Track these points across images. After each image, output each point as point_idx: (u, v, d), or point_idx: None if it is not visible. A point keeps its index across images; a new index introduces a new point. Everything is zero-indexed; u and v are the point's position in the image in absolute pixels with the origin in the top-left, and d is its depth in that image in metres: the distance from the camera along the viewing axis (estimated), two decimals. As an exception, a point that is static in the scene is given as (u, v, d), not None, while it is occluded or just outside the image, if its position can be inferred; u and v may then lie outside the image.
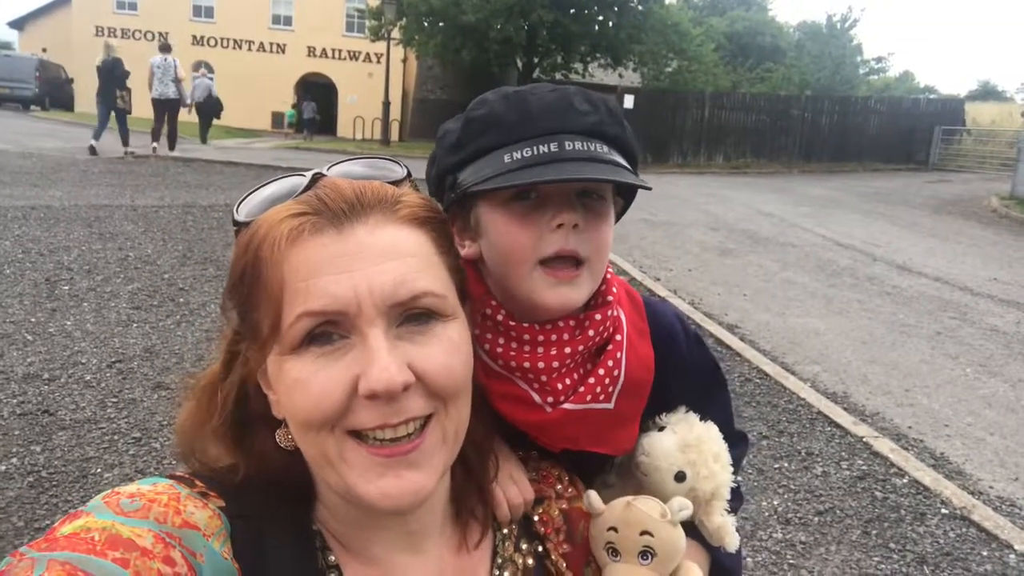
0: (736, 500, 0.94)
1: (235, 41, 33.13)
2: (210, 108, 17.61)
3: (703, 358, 0.99)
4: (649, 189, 0.82)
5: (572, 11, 23.74)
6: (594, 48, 24.60)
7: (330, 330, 0.59)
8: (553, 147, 0.78)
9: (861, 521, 2.84)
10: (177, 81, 13.54)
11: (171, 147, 13.79)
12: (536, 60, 25.65)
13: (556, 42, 24.37)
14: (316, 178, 0.66)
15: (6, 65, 29.59)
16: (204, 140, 17.97)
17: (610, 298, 0.87)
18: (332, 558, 0.67)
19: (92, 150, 12.86)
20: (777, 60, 32.72)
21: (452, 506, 0.75)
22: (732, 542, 0.89)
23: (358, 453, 0.60)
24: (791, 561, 2.54)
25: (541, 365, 0.82)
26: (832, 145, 22.06)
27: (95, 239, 6.70)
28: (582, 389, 0.83)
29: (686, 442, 0.89)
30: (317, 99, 34.29)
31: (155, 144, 13.53)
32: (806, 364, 4.75)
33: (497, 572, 0.74)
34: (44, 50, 32.16)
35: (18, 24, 36.08)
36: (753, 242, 9.16)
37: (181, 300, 5.12)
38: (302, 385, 0.59)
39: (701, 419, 0.93)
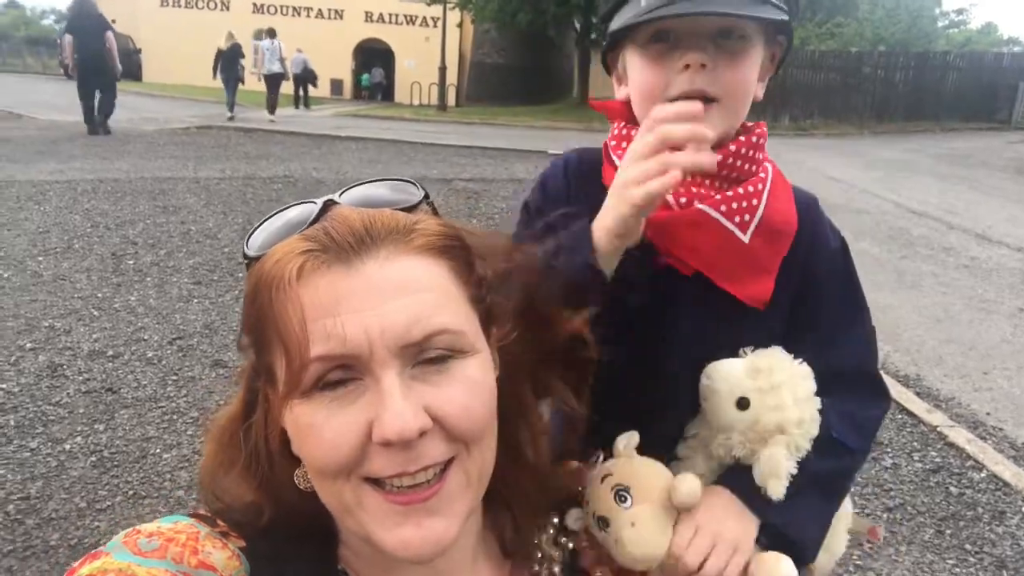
0: (830, 456, 0.83)
1: (294, 8, 33.33)
2: (305, 78, 20.62)
3: (846, 264, 0.97)
4: (784, 21, 0.85)
5: (632, -32, 22.91)
6: (655, 6, 23.79)
7: (342, 374, 0.55)
8: None
9: (934, 519, 2.69)
10: (281, 60, 16.34)
11: (270, 111, 15.88)
12: (595, 20, 25.02)
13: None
14: (326, 207, 0.61)
15: (77, 37, 30.33)
16: (306, 105, 20.62)
17: (745, 136, 0.89)
18: None
19: (231, 119, 15.05)
20: (849, 14, 31.11)
21: (485, 543, 0.70)
22: (776, 488, 0.79)
23: (376, 500, 0.56)
24: (857, 562, 2.42)
25: None
26: (907, 104, 20.91)
27: (159, 212, 6.86)
28: (717, 197, 0.86)
29: (756, 366, 0.81)
30: (374, 64, 34.34)
31: (271, 116, 15.72)
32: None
33: None
34: (113, 21, 32.95)
35: (87, -3, 37.04)
36: (823, 209, 8.78)
37: (240, 275, 5.19)
38: (315, 432, 0.56)
39: (799, 360, 0.84)
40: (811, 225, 0.94)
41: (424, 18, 31.66)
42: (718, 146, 0.85)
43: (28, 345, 3.91)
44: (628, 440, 0.78)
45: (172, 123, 14.35)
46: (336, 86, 31.94)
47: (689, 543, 0.75)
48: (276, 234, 0.61)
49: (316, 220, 0.60)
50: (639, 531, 0.73)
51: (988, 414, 3.61)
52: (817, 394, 0.83)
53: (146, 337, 4.10)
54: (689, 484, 0.73)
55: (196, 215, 6.84)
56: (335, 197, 0.63)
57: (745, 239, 0.86)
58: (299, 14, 33.32)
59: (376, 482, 0.56)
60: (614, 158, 0.95)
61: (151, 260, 5.45)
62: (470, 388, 0.58)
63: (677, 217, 0.86)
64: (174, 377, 3.63)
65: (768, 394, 0.80)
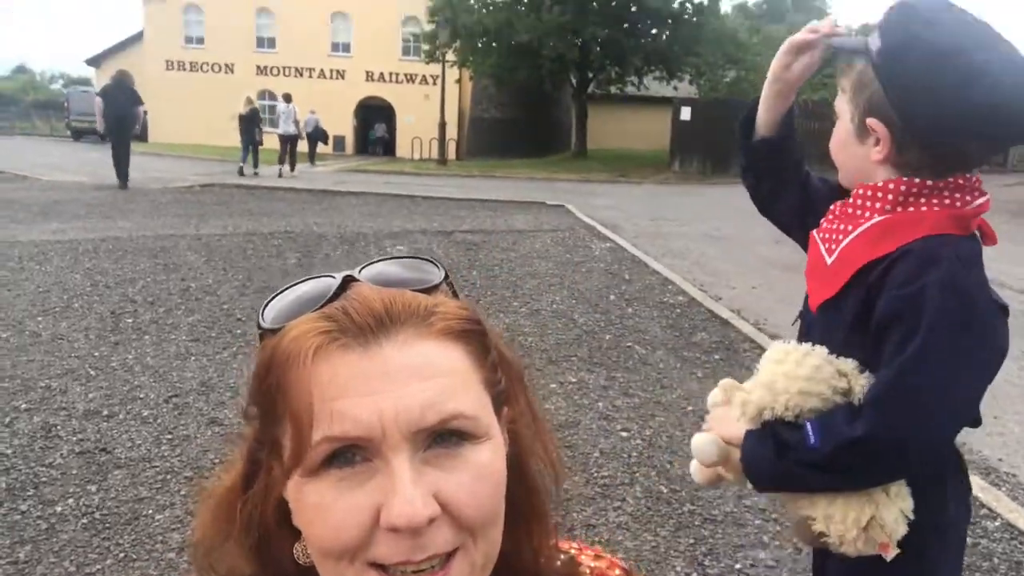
0: (791, 434, 1.08)
1: (296, 69, 34.15)
2: (316, 136, 22.40)
3: (911, 310, 1.04)
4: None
5: (625, 26, 23.57)
6: (648, 62, 24.37)
7: (352, 454, 0.54)
8: None
9: (950, 571, 2.60)
10: (296, 122, 18.17)
11: (291, 169, 17.80)
12: (590, 76, 25.57)
13: (609, 58, 24.26)
14: (346, 283, 0.60)
15: (84, 100, 31.29)
16: (312, 162, 21.93)
17: (859, 201, 1.15)
18: None
19: (241, 171, 16.48)
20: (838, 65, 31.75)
21: None
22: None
23: None
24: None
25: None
26: (902, 150, 21.16)
27: (160, 270, 6.88)
28: (824, 225, 1.19)
29: (785, 349, 1.15)
30: (377, 122, 34.98)
31: (281, 167, 17.53)
32: (881, 389, 4.46)
33: None
34: (120, 85, 33.70)
35: (95, 61, 38.04)
36: (820, 256, 8.80)
37: (238, 331, 5.18)
38: (321, 512, 0.54)
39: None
40: (893, 268, 1.07)
41: (424, 76, 32.39)
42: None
43: (23, 406, 3.86)
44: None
45: (176, 181, 14.54)
46: (338, 142, 32.49)
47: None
48: (292, 308, 0.60)
49: (335, 296, 0.59)
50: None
51: (1000, 460, 3.53)
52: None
53: (142, 396, 4.05)
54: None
55: (196, 272, 6.86)
56: (355, 273, 0.61)
57: (828, 261, 1.15)
58: (302, 75, 34.13)
59: (380, 567, 0.54)
60: None
61: (150, 318, 5.44)
62: (481, 475, 0.56)
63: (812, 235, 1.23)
64: (169, 436, 3.57)
65: (773, 364, 1.13)
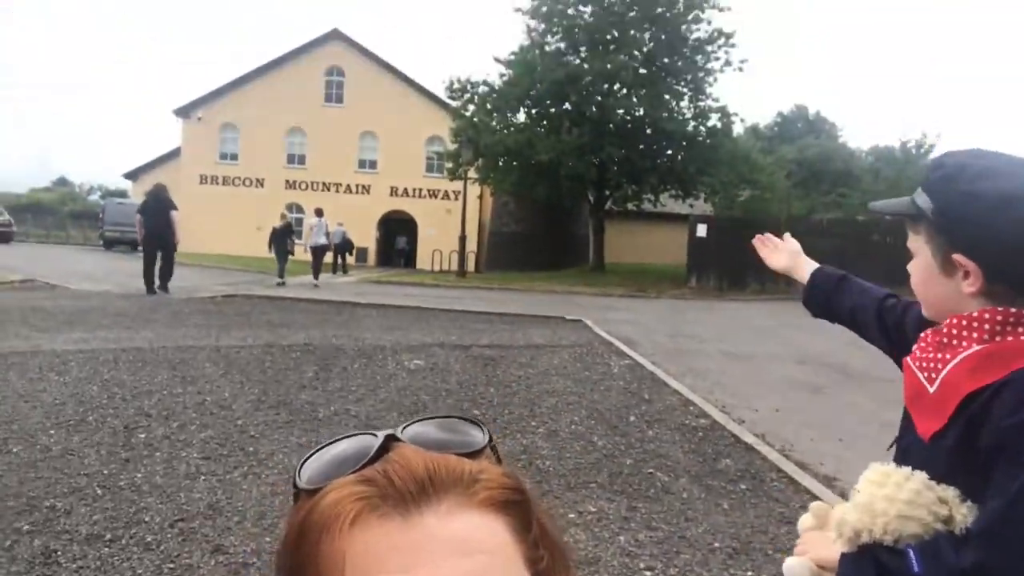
0: (893, 559, 1.06)
1: (324, 184, 35.45)
2: (344, 247, 24.45)
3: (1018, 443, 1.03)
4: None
5: (641, 147, 24.38)
6: (663, 181, 25.04)
7: None
8: None
9: None
10: (327, 234, 19.51)
11: (315, 277, 18.75)
12: (607, 193, 26.26)
13: (626, 176, 24.97)
14: (387, 443, 0.57)
15: (119, 211, 32.40)
16: (344, 271, 24.27)
17: (955, 331, 1.13)
18: None
19: (281, 284, 17.49)
20: (851, 185, 32.47)
21: None
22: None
23: None
24: None
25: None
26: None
27: (177, 383, 6.86)
28: (919, 353, 1.18)
29: (884, 471, 1.13)
30: (401, 235, 35.86)
31: (315, 281, 18.45)
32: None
33: None
34: (154, 197, 35.05)
35: (132, 175, 39.74)
36: (844, 377, 8.63)
37: (251, 449, 5.08)
38: None
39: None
40: (995, 400, 1.05)
41: (446, 191, 33.45)
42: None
43: (25, 527, 3.74)
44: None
45: (200, 291, 14.78)
46: (361, 254, 33.20)
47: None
48: (330, 468, 0.57)
49: (375, 457, 0.56)
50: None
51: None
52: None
53: (147, 519, 3.92)
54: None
55: (213, 385, 6.83)
56: (397, 432, 0.59)
57: (931, 389, 1.13)
58: (329, 189, 35.38)
59: None
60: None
61: (163, 433, 5.36)
62: None
63: (904, 361, 1.23)
64: (171, 565, 3.42)
65: (873, 486, 1.11)
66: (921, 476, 1.09)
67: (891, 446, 1.31)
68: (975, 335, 1.12)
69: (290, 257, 18.20)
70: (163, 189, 14.09)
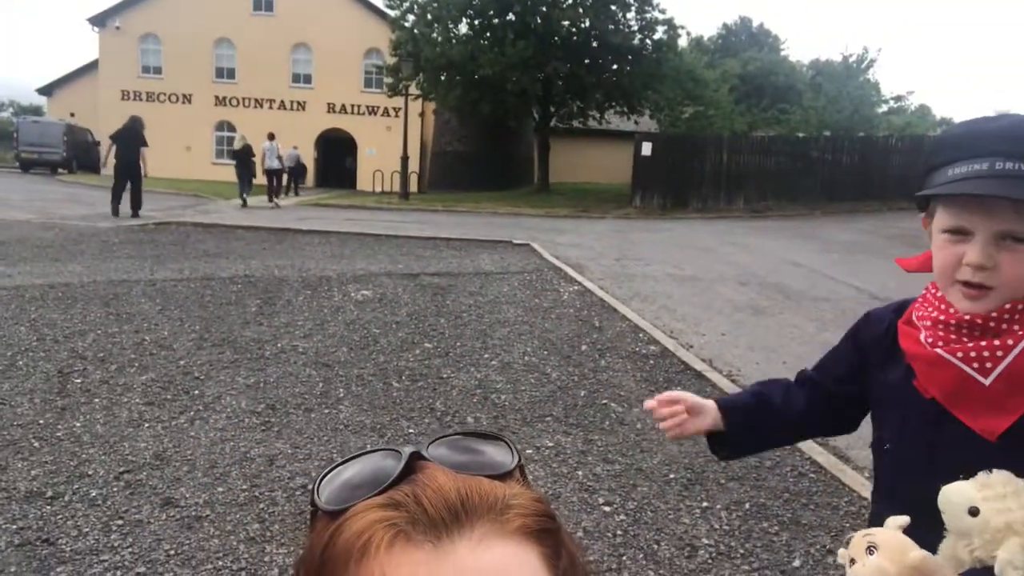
0: None
1: (256, 100, 33.84)
2: (297, 170, 25.45)
3: None
4: None
5: (586, 61, 23.87)
6: (609, 97, 24.70)
7: None
8: (984, 166, 0.98)
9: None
10: (279, 158, 20.54)
11: (270, 199, 19.87)
12: (552, 110, 25.81)
13: (571, 92, 24.53)
14: (412, 462, 0.53)
15: (34, 130, 30.43)
16: (297, 193, 24.80)
17: (1019, 308, 1.02)
18: None
19: (244, 204, 18.58)
20: (792, 100, 32.63)
21: None
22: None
23: None
24: None
25: (934, 314, 1.08)
26: (855, 185, 21.73)
27: (112, 321, 6.56)
28: (958, 345, 1.04)
29: (983, 482, 0.95)
30: (338, 153, 34.71)
31: (274, 200, 19.86)
32: (861, 448, 4.39)
33: None
34: (72, 115, 33.00)
35: (47, 90, 37.16)
36: (785, 298, 8.85)
37: (195, 392, 4.91)
38: None
39: None
40: None
41: (386, 108, 32.36)
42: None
43: (-43, 487, 3.56)
44: (898, 521, 0.94)
45: (129, 219, 14.09)
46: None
47: None
48: (352, 488, 0.53)
49: (400, 478, 0.52)
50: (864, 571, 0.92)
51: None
52: None
53: (90, 472, 3.77)
54: (918, 553, 0.89)
55: (151, 323, 6.56)
56: (423, 451, 0.55)
57: (985, 382, 1.02)
58: (261, 106, 33.83)
59: None
60: (913, 316, 1.16)
61: (100, 377, 5.14)
62: None
63: (921, 355, 1.08)
64: (119, 521, 3.31)
65: (995, 501, 0.93)
66: (1009, 475, 0.96)
67: (884, 446, 1.19)
68: None
69: (253, 179, 19.09)
70: (139, 122, 14.79)
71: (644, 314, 7.61)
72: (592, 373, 5.60)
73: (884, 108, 31.33)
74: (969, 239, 1.01)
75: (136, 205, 14.86)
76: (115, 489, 3.61)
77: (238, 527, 3.29)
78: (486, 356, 5.91)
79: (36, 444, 4.06)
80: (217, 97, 33.76)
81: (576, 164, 30.86)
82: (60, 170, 29.40)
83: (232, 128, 33.02)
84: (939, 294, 1.09)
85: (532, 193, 25.10)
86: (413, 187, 26.32)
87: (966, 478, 0.95)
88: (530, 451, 4.15)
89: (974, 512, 0.94)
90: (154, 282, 8.21)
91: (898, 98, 31.46)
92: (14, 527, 3.23)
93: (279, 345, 6.00)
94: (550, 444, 4.27)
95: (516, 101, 23.62)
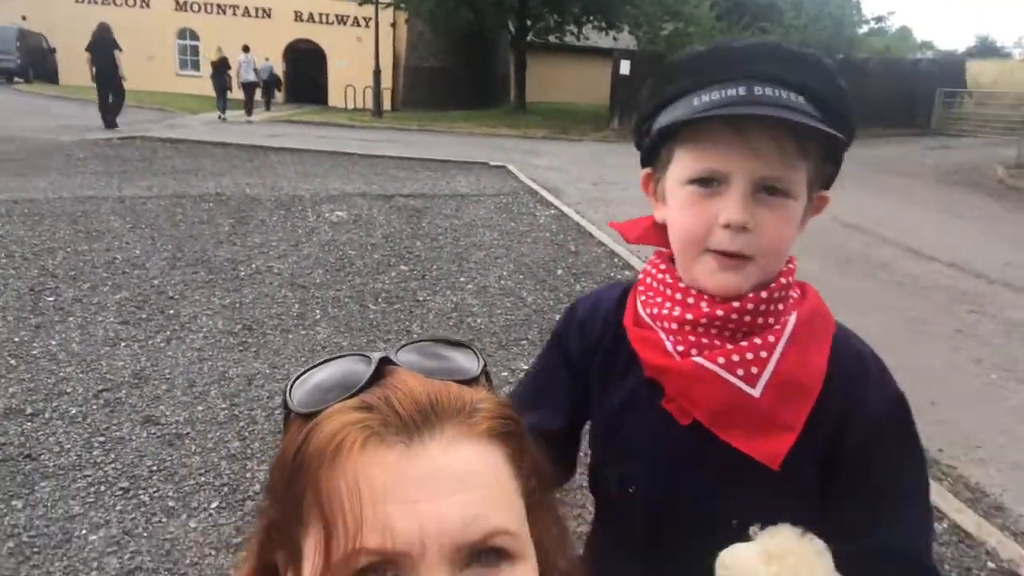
0: None
1: (219, 6, 32.30)
2: (272, 83, 25.10)
3: (897, 431, 0.85)
4: (842, 139, 0.79)
5: (566, -27, 23.09)
6: (586, 10, 24.02)
7: (385, 567, 0.49)
8: (741, 91, 0.77)
9: None
10: (255, 71, 20.75)
11: (248, 113, 20.01)
12: (529, 23, 25.07)
13: (548, 5, 23.79)
14: (382, 367, 0.56)
15: (-14, 35, 28.84)
16: (267, 108, 24.11)
17: (773, 284, 0.83)
18: None
19: (222, 119, 18.42)
20: (773, 19, 31.98)
21: None
22: None
23: None
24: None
25: (678, 313, 0.84)
26: (832, 110, 21.64)
27: (81, 239, 6.44)
28: (717, 351, 0.81)
29: (768, 551, 0.75)
30: (307, 67, 33.50)
31: (248, 117, 19.59)
32: (825, 372, 4.56)
33: None
34: (24, 18, 31.28)
35: (-4, -8, 34.99)
36: (759, 224, 8.93)
37: (171, 312, 4.89)
38: None
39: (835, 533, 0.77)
40: (848, 383, 0.84)
41: (356, 18, 31.11)
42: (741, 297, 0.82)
43: (-67, 404, 3.56)
44: None
45: (93, 132, 13.61)
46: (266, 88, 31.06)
47: None
48: (324, 391, 0.55)
49: (370, 382, 0.55)
50: None
51: (940, 450, 3.65)
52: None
53: (69, 390, 3.79)
54: None
55: (121, 241, 6.45)
56: (392, 355, 0.57)
57: (755, 393, 0.80)
58: (224, 12, 32.34)
59: None
60: (641, 312, 0.90)
61: (73, 295, 5.08)
62: None
63: (674, 368, 0.83)
64: (101, 438, 3.35)
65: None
66: (792, 534, 0.75)
67: (628, 489, 0.91)
68: (791, 293, 0.86)
69: (229, 93, 19.13)
70: (107, 29, 14.46)
71: (620, 240, 7.64)
72: (567, 298, 5.67)
73: (864, 29, 30.91)
74: (722, 191, 0.79)
75: (114, 109, 14.71)
76: (95, 407, 3.64)
77: (219, 444, 3.35)
78: (462, 279, 5.93)
79: (12, 362, 4.05)
80: (177, 2, 32.13)
81: (553, 83, 30.20)
82: (16, 79, 28.09)
83: (195, 36, 31.54)
84: (672, 280, 0.86)
85: (509, 113, 24.63)
86: (387, 104, 25.66)
87: (742, 527, 0.74)
88: (505, 374, 4.24)
89: None
90: (123, 199, 8.02)
91: (879, 19, 31.04)
92: (-5, 444, 3.26)
93: (254, 266, 5.95)
94: (525, 367, 4.36)
95: (492, 12, 22.88)
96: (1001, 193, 12.03)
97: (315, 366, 0.59)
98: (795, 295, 0.87)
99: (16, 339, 4.34)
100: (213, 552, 2.63)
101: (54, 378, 3.91)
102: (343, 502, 0.49)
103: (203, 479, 3.07)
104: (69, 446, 3.28)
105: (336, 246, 6.65)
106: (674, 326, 0.83)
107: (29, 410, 3.57)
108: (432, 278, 5.89)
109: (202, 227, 7.05)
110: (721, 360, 0.80)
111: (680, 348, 0.83)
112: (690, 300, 0.84)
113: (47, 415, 3.54)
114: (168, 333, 4.56)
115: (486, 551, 0.51)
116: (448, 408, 0.53)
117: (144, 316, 4.81)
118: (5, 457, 3.16)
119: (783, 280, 0.84)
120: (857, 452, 0.84)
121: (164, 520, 2.79)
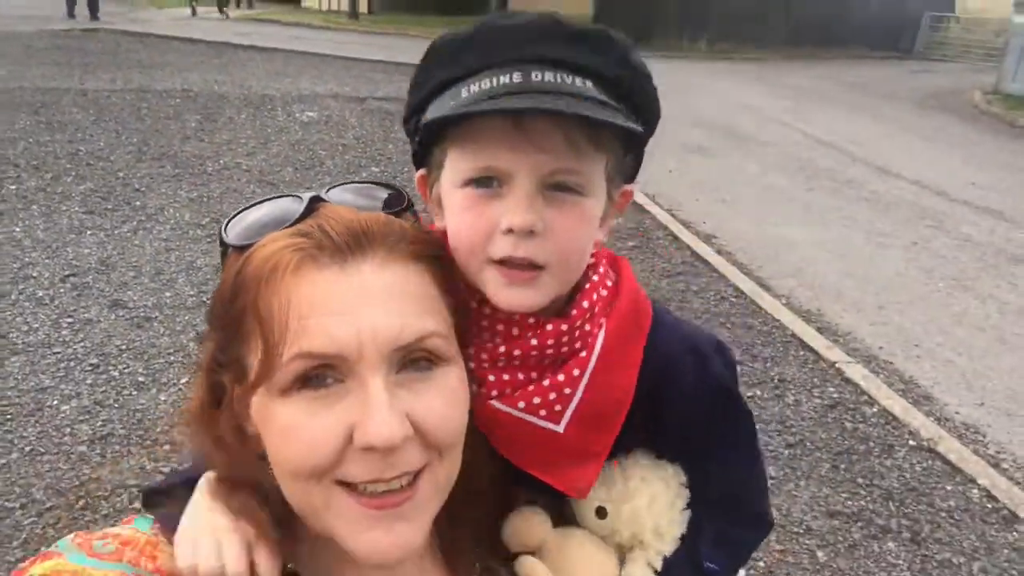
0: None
1: None
2: None
3: (715, 410, 0.80)
4: (640, 132, 0.67)
5: None
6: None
7: (324, 372, 0.54)
8: (516, 77, 0.64)
9: (831, 454, 2.87)
10: None
11: (220, 10, 19.10)
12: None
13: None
14: (314, 203, 0.60)
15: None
16: (251, 6, 24.31)
17: (575, 311, 0.71)
18: None
19: (193, 13, 18.08)
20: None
21: (435, 540, 0.71)
22: None
23: (347, 504, 0.56)
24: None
25: (475, 352, 0.71)
26: (818, 31, 21.33)
27: (43, 129, 6.29)
28: (518, 393, 0.71)
29: (612, 476, 0.79)
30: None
31: (224, 11, 18.86)
32: (782, 278, 4.71)
33: None
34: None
35: None
36: (735, 140, 8.94)
37: (137, 203, 4.86)
38: (293, 433, 0.55)
39: (680, 463, 0.82)
40: (661, 382, 0.77)
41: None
42: (538, 327, 0.71)
43: (-102, 283, 3.57)
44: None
45: (52, 22, 13.02)
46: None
47: None
48: (258, 226, 0.60)
49: (303, 216, 0.59)
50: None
51: (881, 347, 3.84)
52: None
53: (35, 274, 3.80)
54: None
55: (85, 133, 6.31)
56: (322, 194, 0.62)
57: (559, 429, 0.73)
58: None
59: (348, 485, 0.56)
60: None
61: (36, 185, 5.02)
62: (450, 399, 0.59)
63: (475, 411, 0.69)
64: (69, 319, 3.40)
65: (623, 504, 0.78)
66: (643, 459, 0.81)
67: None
68: (590, 326, 0.73)
69: None
70: None
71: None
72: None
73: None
74: (504, 192, 0.66)
75: (94, 7, 14.22)
76: (62, 291, 3.67)
77: (187, 327, 3.42)
78: (433, 181, 5.92)
79: (-24, 247, 4.04)
80: None
81: (536, -9, 29.22)
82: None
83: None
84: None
85: (488, 20, 23.85)
86: (363, 7, 24.71)
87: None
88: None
89: (601, 514, 0.79)
90: (85, 92, 7.78)
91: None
92: (-38, 322, 3.30)
93: (221, 162, 5.88)
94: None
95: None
96: (975, 117, 12.09)
97: (250, 206, 0.62)
98: (605, 292, 0.76)
99: (-21, 225, 4.31)
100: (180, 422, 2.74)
101: (19, 263, 3.91)
102: (281, 315, 0.54)
103: (172, 358, 3.15)
104: (37, 326, 3.33)
105: (307, 146, 6.58)
106: (471, 364, 0.70)
107: (-5, 291, 3.59)
108: (403, 180, 5.87)
109: (168, 122, 6.90)
110: (522, 404, 0.71)
111: (474, 389, 0.69)
112: (498, 327, 0.71)
113: (13, 297, 3.56)
114: (135, 224, 4.55)
115: (418, 355, 0.56)
116: (378, 233, 0.58)
117: (110, 207, 4.78)
118: (-27, 334, 3.21)
119: (584, 303, 0.72)
120: (678, 433, 0.81)
121: (134, 393, 2.88)
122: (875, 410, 3.18)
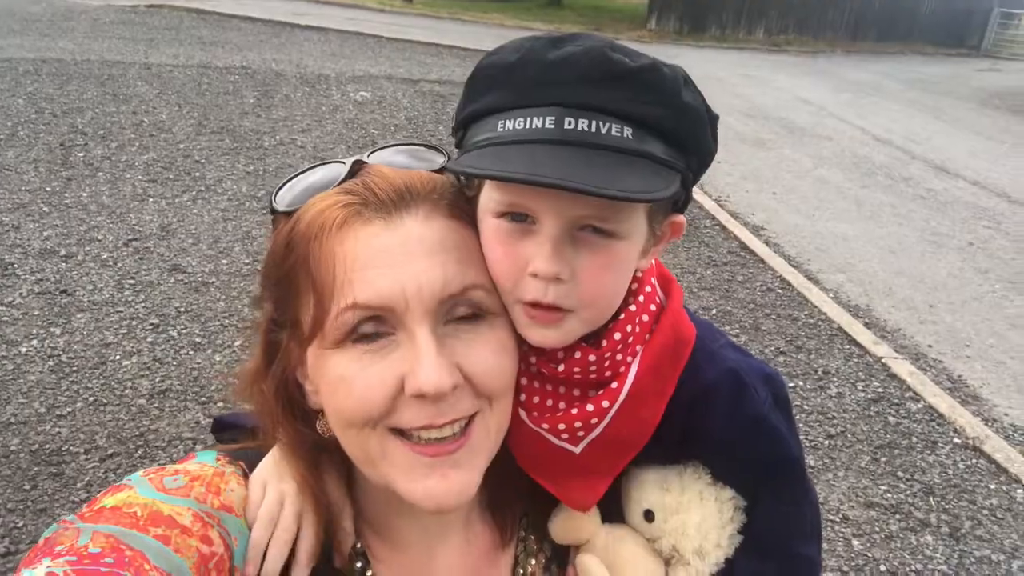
0: None
1: None
2: None
3: (750, 443, 0.76)
4: (650, 201, 0.63)
5: None
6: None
7: (375, 327, 0.57)
8: (549, 123, 0.60)
9: (872, 447, 2.85)
10: None
11: None
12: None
13: None
14: (357, 166, 0.63)
15: None
16: None
17: (605, 342, 0.69)
18: (359, 544, 0.67)
19: None
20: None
21: (483, 494, 0.72)
22: None
23: (402, 452, 0.59)
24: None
25: (534, 359, 0.70)
26: (881, 24, 20.70)
27: (109, 100, 6.52)
28: (545, 417, 0.71)
29: (668, 481, 0.78)
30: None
31: None
32: (831, 273, 4.65)
33: (520, 571, 0.75)
34: None
35: None
36: (789, 133, 8.79)
37: (197, 174, 5.03)
38: (346, 383, 0.58)
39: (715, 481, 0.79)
40: (689, 411, 0.75)
41: None
42: (568, 353, 0.69)
43: (-26, 240, 3.76)
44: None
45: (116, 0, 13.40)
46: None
47: None
48: (307, 191, 0.63)
49: (348, 177, 0.62)
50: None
51: (930, 346, 3.78)
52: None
53: (100, 237, 3.97)
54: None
55: (149, 105, 6.52)
56: (363, 157, 0.65)
57: (576, 450, 0.73)
58: None
59: (402, 433, 0.59)
60: None
61: (102, 153, 5.22)
62: (498, 349, 0.61)
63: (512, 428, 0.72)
64: (131, 281, 3.55)
65: (672, 515, 0.77)
66: (699, 474, 0.80)
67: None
68: (623, 355, 0.71)
69: None
70: None
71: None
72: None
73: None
74: (535, 230, 0.64)
75: None
76: (124, 254, 3.83)
77: (242, 294, 3.54)
78: (482, 163, 5.98)
79: (45, 208, 4.23)
80: None
81: (592, -22, 28.93)
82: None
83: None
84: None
85: (544, 6, 23.76)
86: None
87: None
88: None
89: (649, 517, 0.79)
90: (149, 66, 8.03)
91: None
92: (33, 278, 3.47)
93: (277, 137, 6.03)
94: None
95: None
96: (1043, 119, 11.65)
97: (297, 174, 0.65)
98: (646, 318, 0.73)
99: (48, 188, 4.50)
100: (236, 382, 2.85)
101: (85, 226, 4.09)
102: (330, 270, 0.57)
103: (227, 321, 3.28)
104: (102, 286, 3.49)
105: (359, 125, 6.69)
106: (533, 381, 0.72)
107: (63, 251, 3.76)
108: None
109: (227, 98, 7.09)
110: (546, 427, 0.71)
111: (523, 397, 0.72)
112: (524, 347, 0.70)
113: (80, 257, 3.73)
114: (194, 193, 4.70)
115: (466, 303, 0.59)
116: (421, 189, 0.60)
117: (171, 176, 4.95)
118: (43, 291, 3.38)
119: (616, 335, 0.70)
120: (724, 462, 0.79)
121: (191, 353, 3.01)
122: (920, 406, 3.14)
